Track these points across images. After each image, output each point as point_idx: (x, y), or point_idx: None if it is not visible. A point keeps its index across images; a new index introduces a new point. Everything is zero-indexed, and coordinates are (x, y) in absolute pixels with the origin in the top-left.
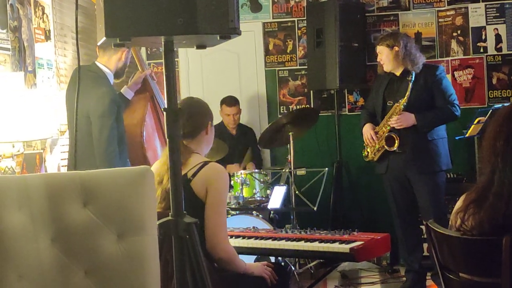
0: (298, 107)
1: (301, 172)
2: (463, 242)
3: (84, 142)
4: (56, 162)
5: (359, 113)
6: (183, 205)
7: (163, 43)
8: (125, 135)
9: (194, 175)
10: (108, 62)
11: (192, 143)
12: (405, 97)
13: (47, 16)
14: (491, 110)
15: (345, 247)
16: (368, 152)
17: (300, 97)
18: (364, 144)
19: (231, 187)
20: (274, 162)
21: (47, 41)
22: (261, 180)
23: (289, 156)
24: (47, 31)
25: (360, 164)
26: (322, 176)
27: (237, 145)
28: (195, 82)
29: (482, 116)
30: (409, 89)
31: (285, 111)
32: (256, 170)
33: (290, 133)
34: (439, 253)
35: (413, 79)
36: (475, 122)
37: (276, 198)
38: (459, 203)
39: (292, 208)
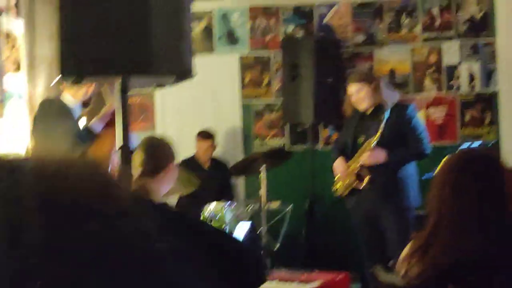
0: (273, 140)
1: (275, 205)
2: None
3: None
4: None
5: None
6: None
7: (118, 83)
8: None
9: None
10: (75, 94)
11: (151, 183)
12: (378, 135)
13: (18, 46)
14: (459, 150)
15: None
16: (339, 186)
17: (276, 130)
18: (335, 178)
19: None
20: (248, 195)
21: (17, 71)
22: (232, 213)
23: (260, 190)
24: (18, 62)
25: (334, 199)
26: (286, 214)
27: (210, 179)
28: (171, 114)
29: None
30: (381, 127)
31: (260, 145)
32: (227, 203)
33: (263, 165)
34: None
35: (386, 116)
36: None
37: (239, 235)
38: (405, 250)
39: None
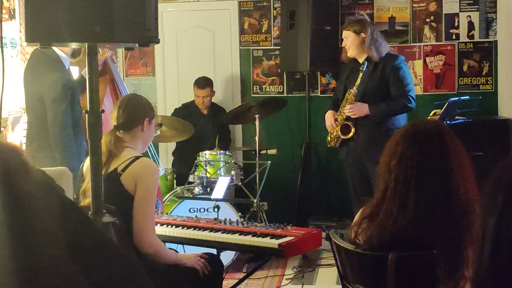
0: (271, 87)
1: (272, 151)
2: (354, 255)
3: (39, 123)
4: (19, 139)
5: (331, 95)
6: (102, 205)
7: (86, 47)
8: (81, 118)
9: (124, 169)
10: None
11: (126, 136)
12: (354, 87)
13: None
14: (447, 103)
15: (274, 243)
16: (330, 138)
17: (274, 77)
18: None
19: (195, 166)
20: (245, 141)
21: (11, 20)
22: (226, 161)
23: (256, 137)
24: (11, 10)
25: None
26: (266, 168)
27: (208, 124)
28: (170, 59)
29: (438, 108)
30: (359, 78)
31: (258, 91)
32: (221, 152)
33: (256, 115)
34: (339, 263)
35: (364, 68)
36: (431, 114)
37: (220, 188)
38: (356, 216)
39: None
